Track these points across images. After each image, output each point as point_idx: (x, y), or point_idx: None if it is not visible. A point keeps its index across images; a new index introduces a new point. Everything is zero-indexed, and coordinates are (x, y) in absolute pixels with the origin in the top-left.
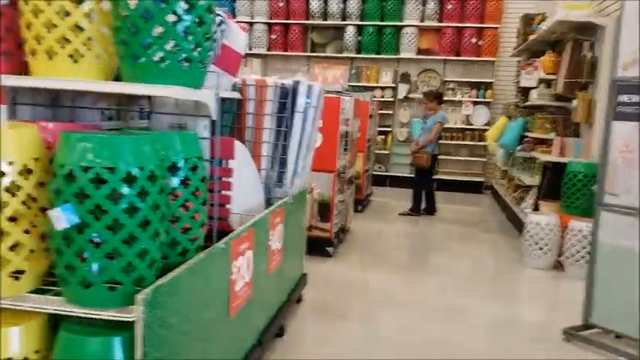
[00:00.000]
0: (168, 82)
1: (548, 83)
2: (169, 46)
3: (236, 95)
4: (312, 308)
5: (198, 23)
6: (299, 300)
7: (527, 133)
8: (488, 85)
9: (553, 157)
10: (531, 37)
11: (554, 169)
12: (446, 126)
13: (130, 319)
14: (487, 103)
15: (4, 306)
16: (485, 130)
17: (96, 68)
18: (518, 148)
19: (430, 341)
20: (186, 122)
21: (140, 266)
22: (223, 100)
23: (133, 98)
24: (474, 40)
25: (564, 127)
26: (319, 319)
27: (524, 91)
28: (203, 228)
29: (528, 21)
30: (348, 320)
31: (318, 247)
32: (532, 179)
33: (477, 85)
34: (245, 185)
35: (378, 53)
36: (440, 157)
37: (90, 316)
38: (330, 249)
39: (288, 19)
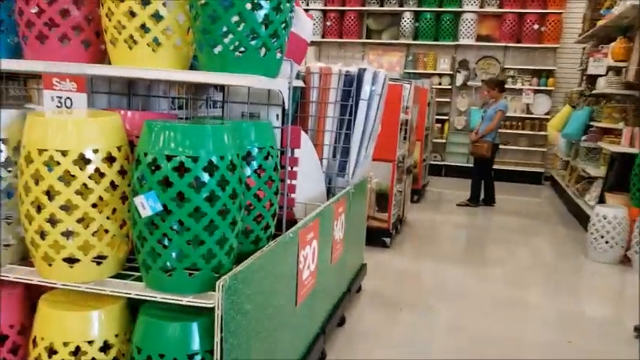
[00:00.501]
0: (245, 71)
1: (617, 71)
2: (247, 34)
3: (300, 83)
4: (371, 298)
5: (276, 11)
6: (359, 290)
7: (593, 123)
8: (549, 73)
9: (622, 148)
10: (600, 23)
11: (623, 160)
12: (506, 115)
13: (210, 305)
14: (548, 92)
15: (87, 290)
16: (546, 119)
17: (174, 57)
18: (583, 138)
19: (488, 334)
20: (258, 111)
21: (219, 253)
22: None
23: (202, 87)
24: (535, 27)
25: (635, 116)
26: (378, 309)
27: (591, 79)
28: (274, 217)
29: (596, 5)
30: (406, 311)
31: (376, 237)
32: (597, 170)
33: (538, 73)
34: (307, 174)
35: (435, 40)
36: (500, 146)
37: (170, 301)
38: (387, 239)
39: (344, 5)
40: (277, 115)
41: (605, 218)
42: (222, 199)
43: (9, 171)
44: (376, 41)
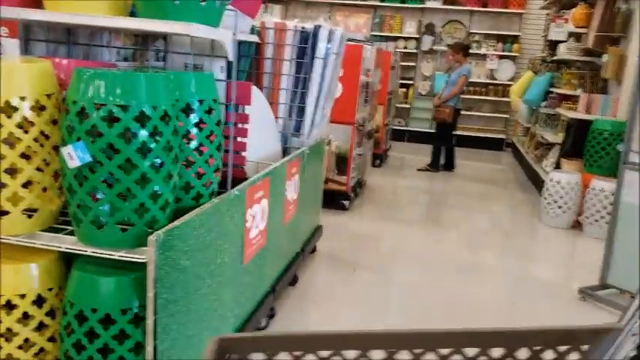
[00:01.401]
0: (183, 19)
1: (578, 37)
2: None
3: (254, 38)
4: (325, 260)
5: None
6: (313, 251)
7: (552, 89)
8: (514, 39)
9: (578, 114)
10: None
11: (579, 127)
12: (469, 80)
13: (142, 260)
14: (513, 58)
15: (17, 242)
16: (510, 85)
17: (112, 4)
18: (543, 104)
19: (442, 295)
20: (202, 63)
21: (152, 208)
22: (241, 43)
23: (148, 39)
24: None
25: (592, 83)
26: (332, 270)
27: (553, 45)
28: (217, 173)
29: None
30: (361, 272)
31: (335, 200)
32: (555, 137)
33: (503, 39)
34: (261, 133)
35: (402, 2)
36: (462, 112)
37: (102, 255)
38: (346, 202)
39: None
40: (222, 68)
41: (559, 183)
42: (154, 151)
43: None
44: (343, 2)
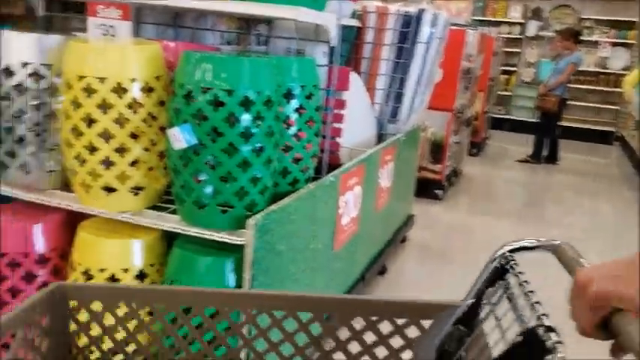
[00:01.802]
0: (290, 4)
1: None
2: None
3: (355, 23)
4: (416, 250)
5: None
6: (403, 240)
7: None
8: (630, 25)
9: None
10: None
11: None
12: (577, 69)
13: (240, 242)
14: (628, 45)
15: (123, 219)
16: (623, 74)
17: None
18: None
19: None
20: (304, 48)
21: (252, 191)
22: (342, 27)
23: (253, 22)
24: None
25: None
26: (422, 261)
27: None
28: (314, 159)
29: None
30: (450, 264)
31: (428, 189)
32: None
33: (617, 25)
34: (357, 118)
35: None
36: (568, 102)
37: (203, 236)
38: (439, 192)
39: None
40: (324, 53)
41: None
42: (256, 136)
43: (52, 97)
44: None
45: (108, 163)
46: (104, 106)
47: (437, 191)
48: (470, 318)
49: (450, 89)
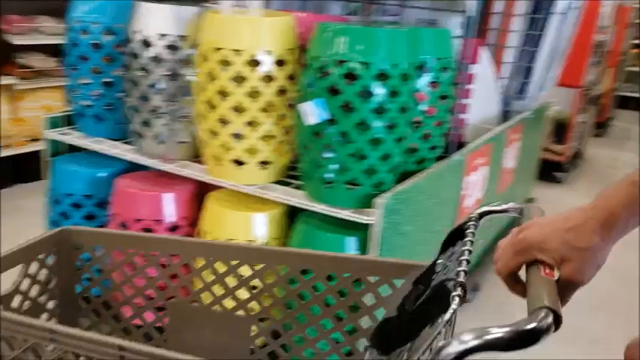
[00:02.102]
0: None
1: None
2: None
3: None
4: None
5: None
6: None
7: None
8: None
9: None
10: None
11: None
12: None
13: (368, 222)
14: None
15: (251, 193)
16: None
17: None
18: None
19: None
20: (437, 19)
21: (381, 170)
22: None
23: None
24: None
25: None
26: None
27: None
28: (443, 137)
29: None
30: None
31: (547, 171)
32: None
33: None
34: (482, 94)
35: None
36: None
37: (328, 213)
38: (560, 174)
39: None
40: (459, 24)
41: None
42: (391, 112)
43: (186, 69)
44: None
45: (238, 137)
46: (238, 79)
47: (557, 174)
48: (429, 276)
49: (579, 64)
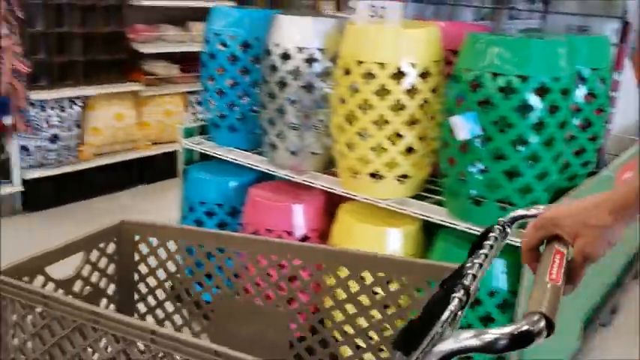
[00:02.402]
0: None
1: None
2: None
3: None
4: None
5: None
6: None
7: None
8: None
9: None
10: None
11: None
12: None
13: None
14: None
15: (388, 207)
16: None
17: None
18: None
19: None
20: (588, 25)
21: (537, 188)
22: None
23: None
24: None
25: None
26: None
27: None
28: (596, 152)
29: None
30: None
31: None
32: None
33: None
34: (623, 102)
35: None
36: None
37: (474, 232)
38: None
39: None
40: (613, 30)
41: None
42: (550, 127)
43: (323, 81)
44: None
45: (378, 150)
46: (381, 92)
47: None
48: (457, 278)
49: None
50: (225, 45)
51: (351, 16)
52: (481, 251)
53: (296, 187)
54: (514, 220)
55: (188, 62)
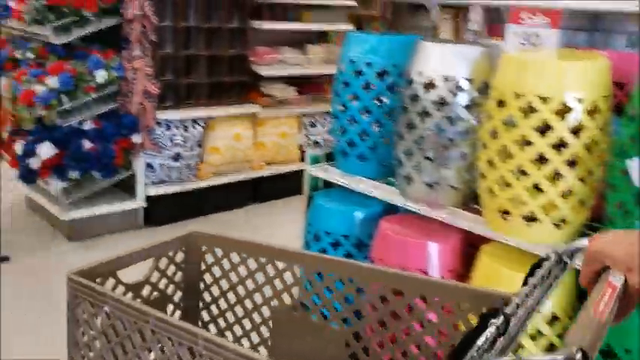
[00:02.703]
0: None
1: None
2: None
3: None
4: None
5: None
6: None
7: None
8: None
9: None
10: None
11: None
12: None
13: None
14: None
15: (540, 253)
16: None
17: None
18: None
19: None
20: None
21: None
22: None
23: None
24: None
25: None
26: None
27: None
28: None
29: None
30: None
31: None
32: None
33: None
34: None
35: None
36: None
37: None
38: None
39: None
40: None
41: None
42: None
43: (469, 113)
44: None
45: (535, 191)
46: (542, 128)
47: None
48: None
49: None
50: (360, 73)
51: (494, 42)
52: (530, 280)
53: (429, 223)
54: (575, 251)
55: (303, 84)
